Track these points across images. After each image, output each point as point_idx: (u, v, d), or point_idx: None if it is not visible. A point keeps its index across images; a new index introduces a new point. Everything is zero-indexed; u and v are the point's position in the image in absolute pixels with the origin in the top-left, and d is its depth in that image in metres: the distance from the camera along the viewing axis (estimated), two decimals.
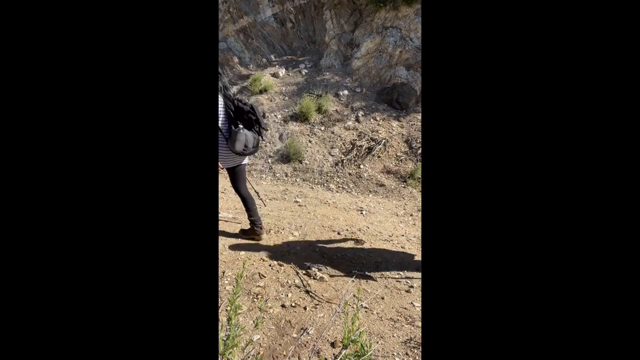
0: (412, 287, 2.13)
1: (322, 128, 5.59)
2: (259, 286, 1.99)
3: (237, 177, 2.47)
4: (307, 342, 1.57)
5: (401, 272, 2.33)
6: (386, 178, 4.83)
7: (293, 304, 1.86)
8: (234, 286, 1.38)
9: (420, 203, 4.28)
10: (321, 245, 2.69)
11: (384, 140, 5.22)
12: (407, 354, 1.55)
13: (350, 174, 4.91)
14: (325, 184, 4.77)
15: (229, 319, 1.07)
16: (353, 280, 2.17)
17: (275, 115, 5.86)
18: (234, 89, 6.54)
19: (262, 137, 2.32)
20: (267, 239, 2.70)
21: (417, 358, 1.52)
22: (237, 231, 2.79)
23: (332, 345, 1.56)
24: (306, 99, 5.76)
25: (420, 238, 3.17)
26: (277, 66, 7.03)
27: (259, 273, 2.12)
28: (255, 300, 1.86)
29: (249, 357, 1.29)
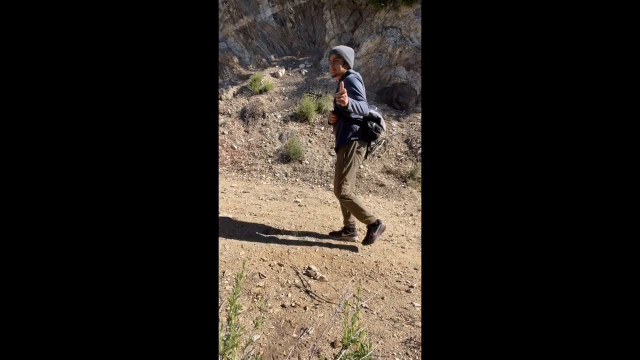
0: (412, 287, 2.13)
1: (322, 128, 5.59)
2: (259, 286, 1.99)
3: None
4: (307, 342, 1.57)
5: (401, 272, 2.34)
6: (386, 178, 4.83)
7: (293, 304, 1.86)
8: (234, 286, 1.38)
9: (420, 203, 4.28)
10: (321, 245, 2.69)
11: (384, 140, 5.21)
12: (407, 354, 1.55)
13: None
14: (325, 184, 4.77)
15: (229, 319, 1.07)
16: (353, 280, 2.17)
17: (275, 115, 5.86)
18: (233, 89, 6.54)
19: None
20: (267, 239, 2.70)
21: (417, 358, 1.52)
22: (236, 232, 2.78)
23: (332, 345, 1.56)
24: (306, 99, 5.76)
25: (420, 238, 3.17)
26: (277, 66, 7.03)
27: (259, 273, 2.12)
28: (255, 300, 1.86)
29: (249, 357, 1.29)
